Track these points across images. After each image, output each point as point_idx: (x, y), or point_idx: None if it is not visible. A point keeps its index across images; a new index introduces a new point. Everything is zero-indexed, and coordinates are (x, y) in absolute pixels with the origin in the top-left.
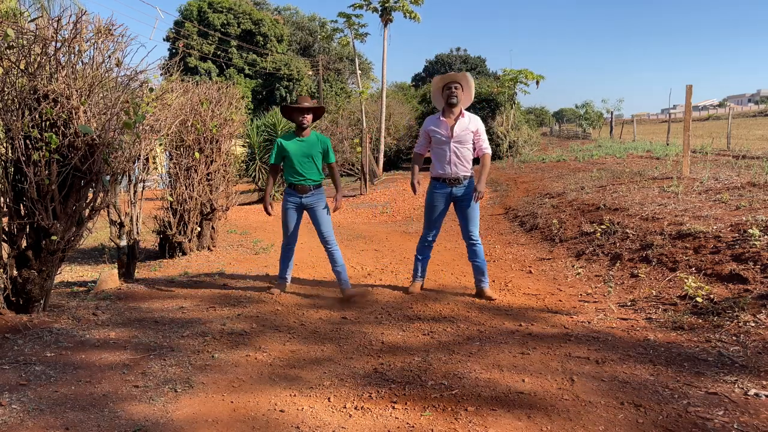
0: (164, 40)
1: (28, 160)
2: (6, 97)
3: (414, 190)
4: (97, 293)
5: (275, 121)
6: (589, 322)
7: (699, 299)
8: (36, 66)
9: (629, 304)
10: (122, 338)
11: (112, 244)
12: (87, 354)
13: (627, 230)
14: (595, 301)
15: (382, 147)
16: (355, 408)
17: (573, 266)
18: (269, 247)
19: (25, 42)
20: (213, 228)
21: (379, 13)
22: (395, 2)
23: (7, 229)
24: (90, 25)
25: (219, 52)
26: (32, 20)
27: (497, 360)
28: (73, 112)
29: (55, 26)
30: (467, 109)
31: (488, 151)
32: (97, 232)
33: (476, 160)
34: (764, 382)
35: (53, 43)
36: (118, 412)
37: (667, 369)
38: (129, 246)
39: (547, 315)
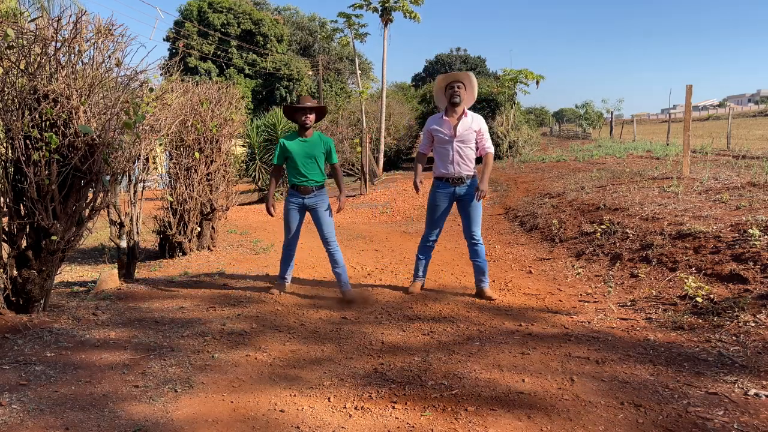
0: (164, 40)
1: (28, 160)
2: (6, 97)
3: (417, 189)
4: (97, 293)
5: (275, 121)
6: (589, 322)
7: (699, 299)
8: (36, 66)
9: (629, 304)
10: (122, 338)
11: (112, 244)
12: (87, 354)
13: (627, 230)
14: (595, 301)
15: (382, 147)
16: (355, 408)
17: (573, 266)
18: (269, 247)
19: (25, 42)
20: (213, 228)
21: (379, 13)
22: (395, 2)
23: (7, 229)
24: (90, 25)
25: (219, 52)
26: (32, 20)
27: (497, 360)
28: (73, 112)
29: (55, 26)
30: (469, 109)
31: (491, 150)
32: (97, 232)
33: (479, 159)
34: (764, 382)
35: (53, 43)
36: (118, 412)
37: (667, 369)
38: (129, 246)
39: (547, 315)
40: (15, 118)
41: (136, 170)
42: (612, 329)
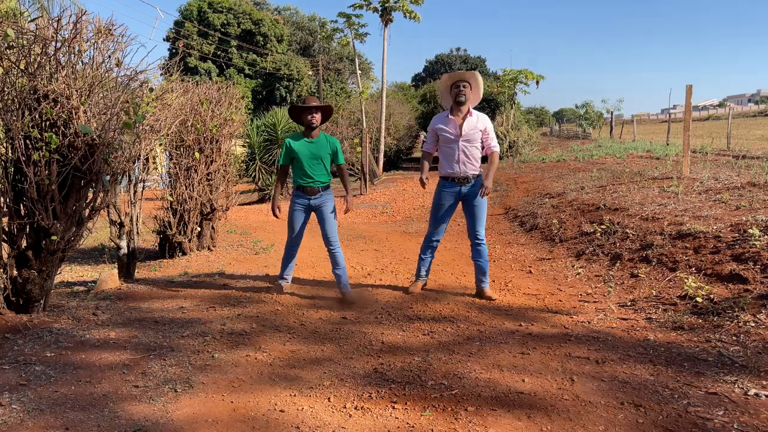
0: (164, 40)
1: (28, 160)
2: (6, 97)
3: (423, 185)
4: (97, 293)
5: (275, 121)
6: (589, 322)
7: (699, 299)
8: (36, 66)
9: (629, 304)
10: (122, 338)
11: (112, 244)
12: (87, 354)
13: (627, 230)
14: (595, 301)
15: (382, 147)
16: (355, 408)
17: (573, 266)
18: (269, 247)
19: (25, 42)
20: (213, 228)
21: (379, 13)
22: (395, 2)
23: (7, 229)
24: (90, 25)
25: (219, 52)
26: (32, 20)
27: (497, 360)
28: (73, 112)
29: (55, 26)
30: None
31: (497, 149)
32: (97, 232)
33: (484, 159)
34: (764, 382)
35: (53, 43)
36: (118, 412)
37: (667, 369)
38: (129, 246)
39: (547, 315)
40: (15, 118)
41: (136, 170)
42: (612, 329)
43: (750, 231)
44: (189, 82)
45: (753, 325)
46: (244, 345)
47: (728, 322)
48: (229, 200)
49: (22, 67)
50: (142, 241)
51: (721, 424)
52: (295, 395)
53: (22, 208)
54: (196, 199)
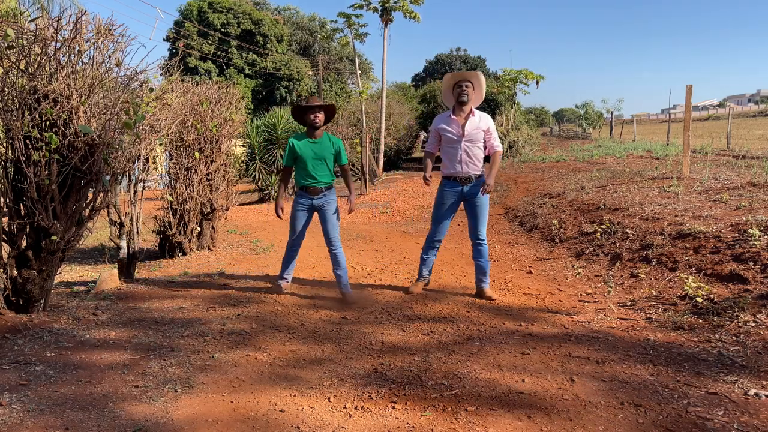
0: (164, 40)
1: (28, 160)
2: (6, 97)
3: (427, 182)
4: (97, 293)
5: (275, 121)
6: (589, 322)
7: (699, 299)
8: (36, 66)
9: (629, 304)
10: (122, 338)
11: (112, 244)
12: (87, 354)
13: (627, 230)
14: (595, 301)
15: (382, 147)
16: (355, 408)
17: (573, 266)
18: (269, 247)
19: (25, 42)
20: (213, 228)
21: (379, 13)
22: (395, 2)
23: (7, 229)
24: (90, 25)
25: (219, 52)
26: (32, 20)
27: (497, 360)
28: (73, 112)
29: (55, 26)
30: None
31: (499, 148)
32: (97, 232)
33: (486, 158)
34: (764, 382)
35: (53, 43)
36: (118, 412)
37: (667, 369)
38: (129, 246)
39: (547, 315)
40: (15, 118)
41: (136, 170)
42: (612, 329)
43: (750, 231)
44: (189, 82)
45: (753, 325)
46: (244, 345)
47: (728, 322)
48: (229, 200)
49: (22, 67)
50: (142, 241)
51: (721, 424)
52: (295, 395)
53: (22, 208)
54: (196, 199)
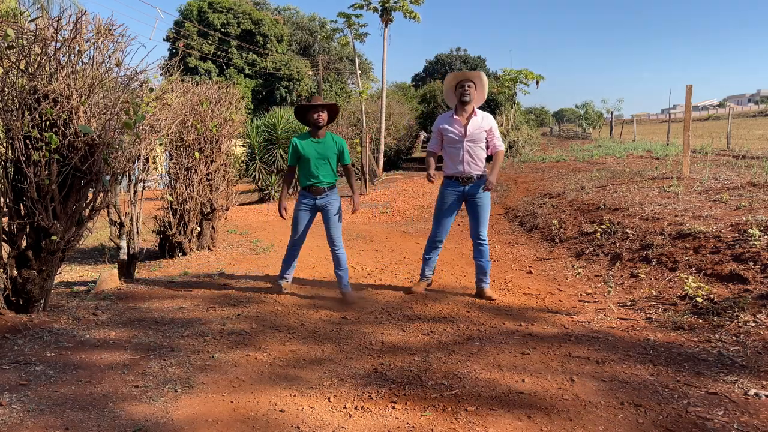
0: (164, 40)
1: (28, 160)
2: (6, 97)
3: (431, 181)
4: (97, 293)
5: (275, 121)
6: (589, 322)
7: (699, 299)
8: (36, 66)
9: (629, 304)
10: (122, 338)
11: (112, 244)
12: (87, 354)
13: (627, 230)
14: (595, 301)
15: (382, 147)
16: (355, 408)
17: (573, 266)
18: (269, 247)
19: (25, 42)
20: (213, 228)
21: (379, 13)
22: (395, 2)
23: (7, 229)
24: (90, 25)
25: (219, 52)
26: (32, 20)
27: (497, 360)
28: (73, 112)
29: (55, 26)
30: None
31: (502, 148)
32: (97, 232)
33: (488, 158)
34: (764, 382)
35: (53, 43)
36: (118, 412)
37: (667, 369)
38: (129, 246)
39: (547, 315)
40: (15, 118)
41: (136, 170)
42: (612, 329)
43: (750, 231)
44: (189, 82)
45: (753, 325)
46: (244, 345)
47: (728, 322)
48: (229, 200)
49: (22, 67)
50: (142, 241)
51: (721, 424)
52: (295, 395)
53: (22, 208)
54: (196, 199)
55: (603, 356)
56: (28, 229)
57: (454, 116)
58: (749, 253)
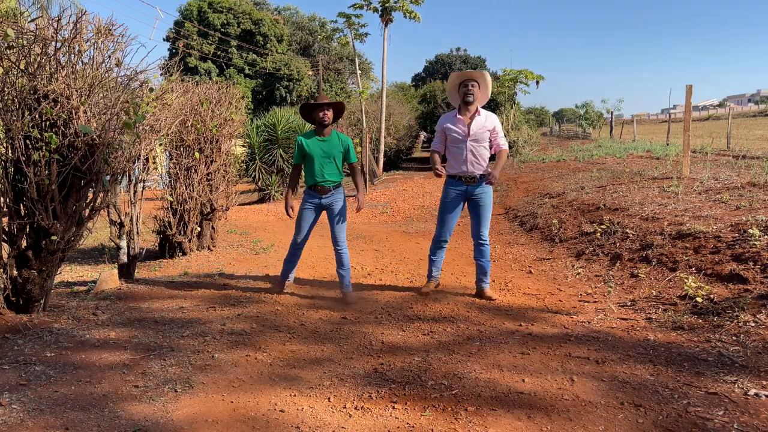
0: (164, 40)
1: (28, 160)
2: (6, 97)
3: (439, 175)
4: (97, 293)
5: (275, 121)
6: (589, 322)
7: (699, 299)
8: (36, 66)
9: (629, 304)
10: (122, 338)
11: (112, 244)
12: (87, 354)
13: (627, 230)
14: (595, 301)
15: (382, 147)
16: (355, 408)
17: (573, 266)
18: (269, 247)
19: (25, 42)
20: (213, 228)
21: (379, 13)
22: (395, 2)
23: (7, 229)
24: (90, 25)
25: (219, 52)
26: (32, 20)
27: (497, 360)
28: (73, 112)
29: (55, 26)
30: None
31: (505, 147)
32: (97, 232)
33: (491, 157)
34: (764, 382)
35: (53, 43)
36: (118, 412)
37: (667, 369)
38: (129, 246)
39: (547, 315)
40: (15, 118)
41: (136, 170)
42: (612, 329)
43: (750, 231)
44: (189, 82)
45: (753, 325)
46: (244, 345)
47: (728, 322)
48: (229, 200)
49: (22, 67)
50: (142, 241)
51: (721, 424)
52: (295, 395)
53: (22, 208)
54: (196, 199)
55: (603, 356)
56: (28, 229)
57: (458, 116)
58: (749, 253)
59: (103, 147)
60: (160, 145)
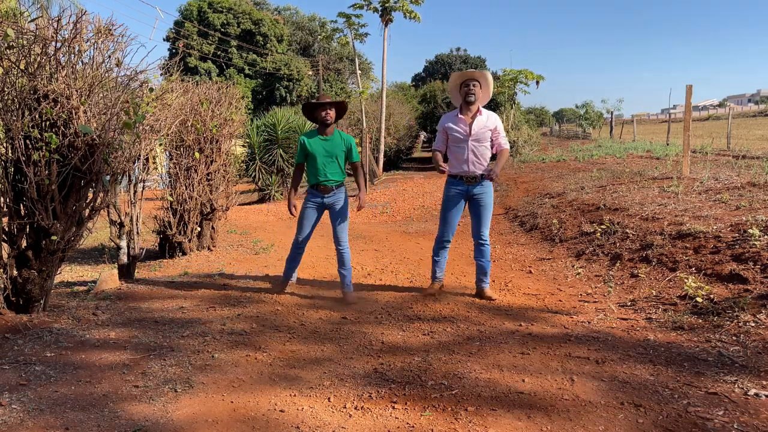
0: (164, 40)
1: (28, 160)
2: (6, 97)
3: (442, 170)
4: (97, 293)
5: (275, 121)
6: (589, 322)
7: (699, 299)
8: (36, 66)
9: (629, 304)
10: (122, 338)
11: (112, 244)
12: (87, 354)
13: (627, 230)
14: (595, 301)
15: (382, 147)
16: (355, 408)
17: (573, 266)
18: (269, 247)
19: (25, 42)
20: (213, 228)
21: (379, 13)
22: (395, 2)
23: (7, 229)
24: (90, 25)
25: (219, 52)
26: (32, 20)
27: (497, 360)
28: (73, 112)
29: (55, 26)
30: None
31: (507, 146)
32: (97, 232)
33: (492, 157)
34: (764, 382)
35: (53, 43)
36: (118, 412)
37: (667, 369)
38: (129, 246)
39: (547, 315)
40: (15, 118)
41: (136, 170)
42: (612, 329)
43: (750, 231)
44: (189, 82)
45: (753, 325)
46: (244, 345)
47: (728, 322)
48: (229, 200)
49: (22, 67)
50: (142, 241)
51: (721, 424)
52: (295, 395)
53: (22, 208)
54: (196, 199)
55: (603, 356)
56: (28, 229)
57: (459, 115)
58: (749, 253)
59: (103, 147)
60: (160, 145)
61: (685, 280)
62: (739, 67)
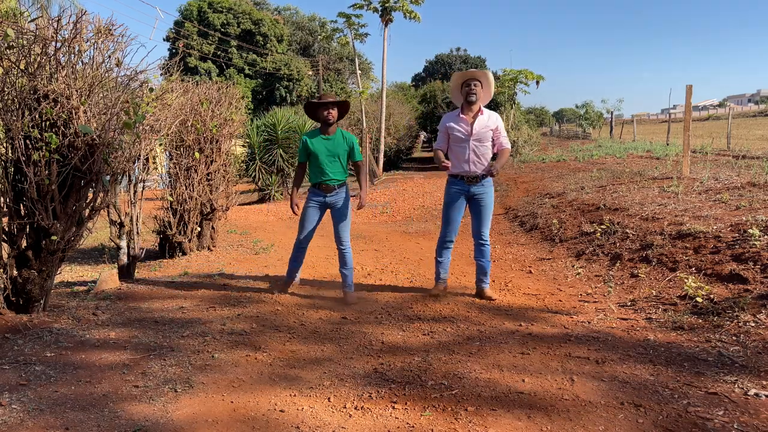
0: (164, 40)
1: (28, 160)
2: (6, 97)
3: (445, 167)
4: (97, 293)
5: (275, 121)
6: (589, 322)
7: (699, 299)
8: (36, 66)
9: (629, 304)
10: (122, 338)
11: (112, 244)
12: (87, 354)
13: (627, 230)
14: (595, 301)
15: (382, 147)
16: (355, 408)
17: (573, 266)
18: (269, 247)
19: (25, 42)
20: (213, 228)
21: (380, 13)
22: (395, 2)
23: (7, 229)
24: (90, 25)
25: (219, 52)
26: (32, 20)
27: (497, 360)
28: (73, 112)
29: (55, 26)
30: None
31: (508, 146)
32: (97, 232)
33: (493, 156)
34: (764, 382)
35: (53, 43)
36: (118, 412)
37: (667, 369)
38: (129, 246)
39: (547, 315)
40: (15, 118)
41: (136, 170)
42: (612, 329)
43: (750, 231)
44: (189, 82)
45: (753, 325)
46: (244, 345)
47: (728, 322)
48: (229, 200)
49: (22, 67)
50: (142, 241)
51: (721, 424)
52: (295, 395)
53: (22, 208)
54: (196, 199)
55: (603, 356)
56: (28, 229)
57: (461, 115)
58: (749, 253)
59: (103, 147)
60: (160, 145)
61: (685, 280)
62: (739, 67)
